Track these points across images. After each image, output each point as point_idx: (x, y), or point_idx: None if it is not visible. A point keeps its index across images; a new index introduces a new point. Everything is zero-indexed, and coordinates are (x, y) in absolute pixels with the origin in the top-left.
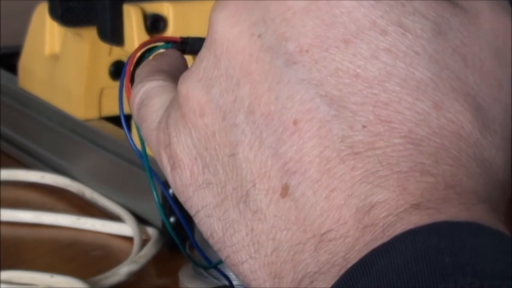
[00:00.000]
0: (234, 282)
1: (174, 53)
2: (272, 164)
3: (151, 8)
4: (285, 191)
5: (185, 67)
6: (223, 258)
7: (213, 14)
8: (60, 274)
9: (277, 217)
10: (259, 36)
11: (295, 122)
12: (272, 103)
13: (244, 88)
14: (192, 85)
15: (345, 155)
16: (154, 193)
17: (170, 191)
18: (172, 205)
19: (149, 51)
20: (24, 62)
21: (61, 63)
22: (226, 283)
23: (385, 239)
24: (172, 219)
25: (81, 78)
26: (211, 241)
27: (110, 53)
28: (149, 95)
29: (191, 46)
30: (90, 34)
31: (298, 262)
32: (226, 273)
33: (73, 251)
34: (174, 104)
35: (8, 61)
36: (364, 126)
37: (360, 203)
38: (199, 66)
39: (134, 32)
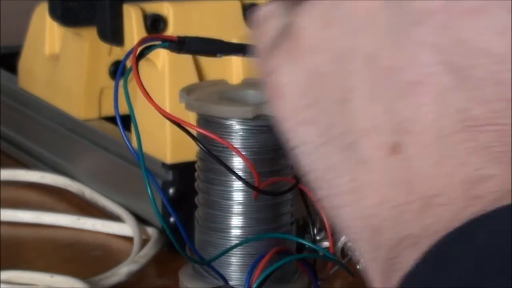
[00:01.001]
0: (231, 283)
1: None
2: (385, 119)
3: (151, 8)
4: (395, 148)
5: None
6: (320, 196)
7: None
8: (60, 274)
9: (384, 173)
10: None
11: (415, 83)
12: (394, 59)
13: (364, 36)
14: (309, 20)
15: (462, 126)
16: (150, 194)
17: (171, 191)
18: (169, 208)
19: (147, 49)
20: (24, 62)
21: (61, 63)
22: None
23: None
24: (172, 219)
25: (81, 78)
26: (309, 177)
27: (110, 53)
28: (267, 18)
29: (187, 45)
30: (90, 34)
31: (401, 222)
32: (222, 274)
33: (73, 251)
34: (288, 34)
35: (8, 61)
36: (484, 101)
37: (470, 174)
38: (320, 2)
39: (134, 32)
